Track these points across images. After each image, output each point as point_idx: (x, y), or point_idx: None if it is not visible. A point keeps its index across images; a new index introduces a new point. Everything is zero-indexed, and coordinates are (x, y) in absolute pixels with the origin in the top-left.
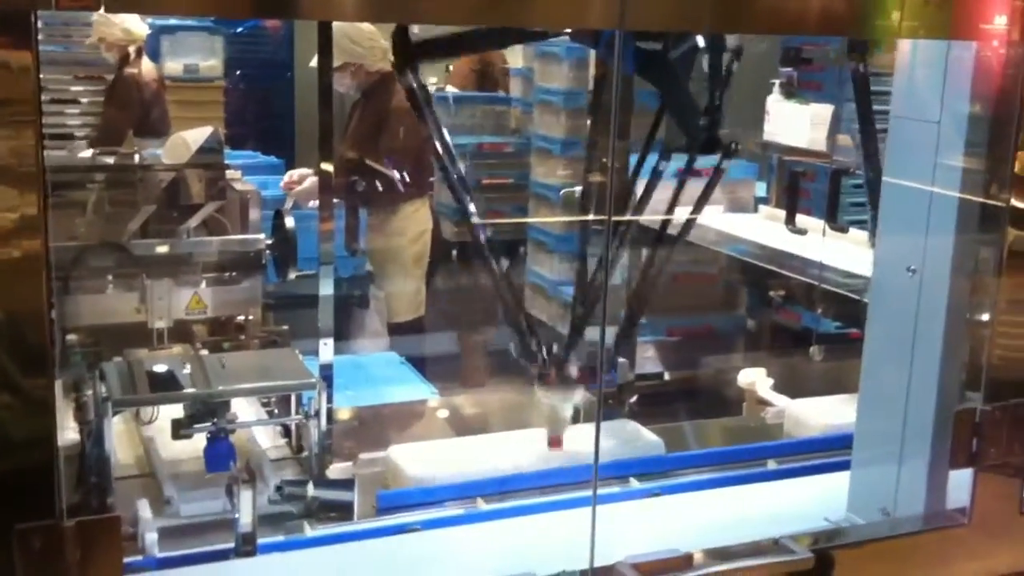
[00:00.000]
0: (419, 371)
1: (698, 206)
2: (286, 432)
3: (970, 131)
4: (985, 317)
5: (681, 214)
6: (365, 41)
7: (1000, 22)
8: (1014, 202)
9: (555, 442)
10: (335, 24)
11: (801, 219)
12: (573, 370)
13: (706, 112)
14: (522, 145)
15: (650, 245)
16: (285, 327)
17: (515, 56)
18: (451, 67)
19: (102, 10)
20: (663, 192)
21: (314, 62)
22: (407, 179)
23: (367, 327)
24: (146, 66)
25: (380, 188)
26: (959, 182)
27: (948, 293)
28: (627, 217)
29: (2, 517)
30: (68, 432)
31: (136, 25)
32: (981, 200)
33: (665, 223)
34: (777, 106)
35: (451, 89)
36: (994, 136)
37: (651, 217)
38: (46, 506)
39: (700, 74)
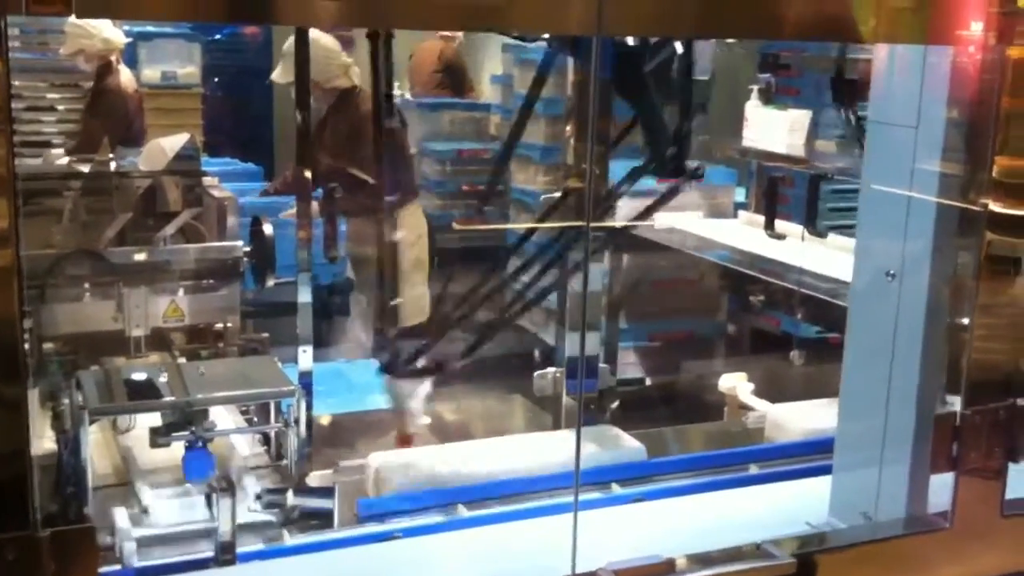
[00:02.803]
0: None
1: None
2: (265, 440)
3: (948, 136)
4: (964, 321)
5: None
6: (320, 58)
7: (976, 28)
8: (992, 206)
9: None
10: (290, 40)
11: (780, 224)
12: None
13: (675, 139)
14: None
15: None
16: (265, 334)
17: (494, 63)
18: (409, 72)
19: (73, 16)
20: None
21: (274, 75)
22: (395, 185)
23: (348, 334)
24: (125, 75)
25: (371, 198)
26: (937, 187)
27: (927, 297)
28: (604, 224)
29: None
30: (45, 442)
31: (114, 34)
32: (959, 204)
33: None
34: (756, 112)
35: (407, 96)
36: (972, 141)
37: (631, 223)
38: (20, 517)
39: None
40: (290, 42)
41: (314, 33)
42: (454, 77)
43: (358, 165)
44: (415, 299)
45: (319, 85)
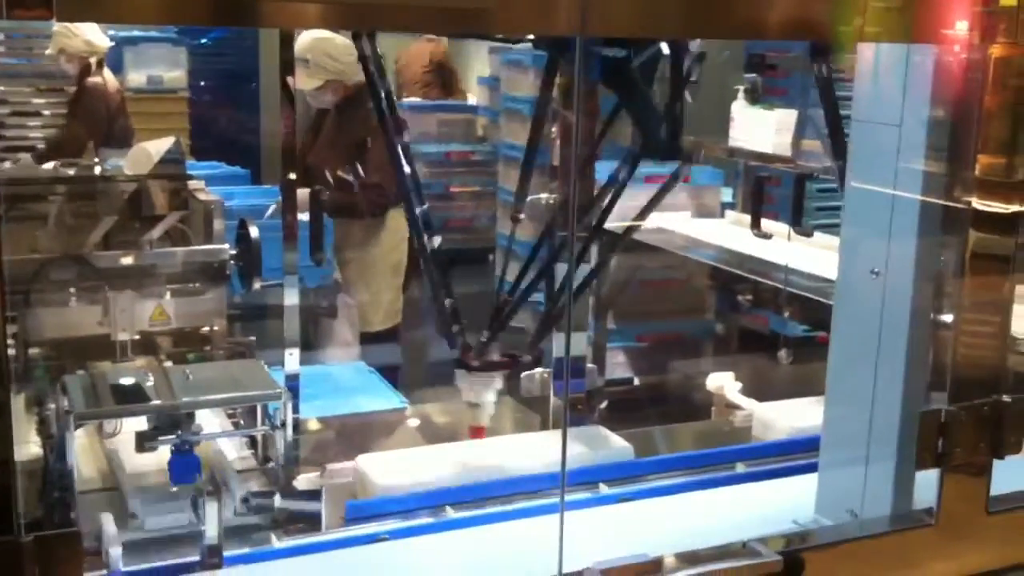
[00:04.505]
0: (389, 380)
1: (646, 211)
2: (252, 443)
3: (932, 134)
4: (949, 318)
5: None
6: (344, 56)
7: (961, 26)
8: (976, 204)
9: (477, 432)
10: (314, 44)
11: (767, 223)
12: (495, 355)
13: (668, 121)
14: (489, 153)
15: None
16: (252, 338)
17: (482, 65)
18: (397, 73)
19: (54, 20)
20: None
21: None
22: (389, 188)
23: (336, 337)
24: (108, 77)
25: (367, 200)
26: (921, 185)
27: (912, 295)
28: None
29: None
30: (30, 447)
31: (98, 37)
32: (943, 203)
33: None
34: (742, 112)
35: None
36: (955, 139)
37: (615, 224)
38: (3, 522)
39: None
40: (304, 45)
41: (327, 33)
42: (444, 77)
43: (368, 168)
44: (390, 303)
45: (342, 84)
